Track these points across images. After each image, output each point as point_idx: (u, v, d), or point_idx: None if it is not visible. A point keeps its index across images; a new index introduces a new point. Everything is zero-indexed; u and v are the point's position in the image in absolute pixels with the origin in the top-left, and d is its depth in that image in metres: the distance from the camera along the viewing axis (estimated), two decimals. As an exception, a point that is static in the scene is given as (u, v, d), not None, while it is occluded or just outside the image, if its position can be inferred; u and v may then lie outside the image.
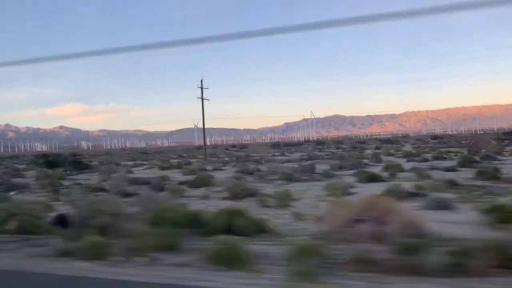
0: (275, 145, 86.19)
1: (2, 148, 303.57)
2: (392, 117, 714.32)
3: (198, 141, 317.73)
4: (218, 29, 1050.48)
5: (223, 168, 31.05)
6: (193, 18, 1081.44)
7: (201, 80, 49.82)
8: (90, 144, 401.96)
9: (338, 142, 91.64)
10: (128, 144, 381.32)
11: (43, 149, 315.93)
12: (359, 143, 78.65)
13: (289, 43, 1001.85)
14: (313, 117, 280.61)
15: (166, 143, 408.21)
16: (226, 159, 43.69)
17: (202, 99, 48.39)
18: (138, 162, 45.74)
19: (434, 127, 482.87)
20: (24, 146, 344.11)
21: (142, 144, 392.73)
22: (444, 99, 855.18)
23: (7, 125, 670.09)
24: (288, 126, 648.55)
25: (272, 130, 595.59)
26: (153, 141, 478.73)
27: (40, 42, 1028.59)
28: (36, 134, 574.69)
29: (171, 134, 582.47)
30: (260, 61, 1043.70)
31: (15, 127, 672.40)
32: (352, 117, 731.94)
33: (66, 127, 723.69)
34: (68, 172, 29.92)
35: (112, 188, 16.55)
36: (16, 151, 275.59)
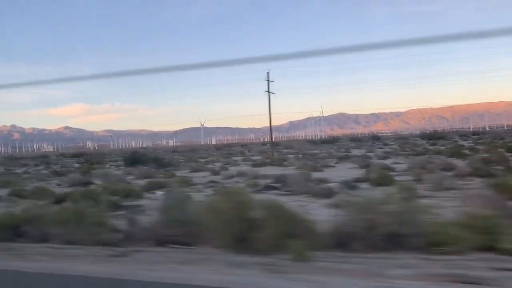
0: (313, 142, 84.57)
1: (9, 149, 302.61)
2: (397, 114, 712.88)
3: (204, 140, 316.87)
4: (218, 30, 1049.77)
5: (332, 165, 27.62)
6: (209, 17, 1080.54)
7: (267, 73, 47.13)
8: (95, 144, 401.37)
9: (375, 139, 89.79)
10: (133, 144, 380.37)
11: (49, 150, 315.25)
12: (402, 139, 76.89)
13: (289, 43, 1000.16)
14: (319, 115, 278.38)
15: (171, 143, 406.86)
16: (290, 156, 41.41)
17: (269, 92, 46.37)
18: (208, 159, 43.37)
19: (439, 125, 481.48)
20: (32, 147, 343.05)
21: (148, 144, 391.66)
22: (449, 96, 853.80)
23: (12, 126, 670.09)
24: (293, 125, 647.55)
25: (277, 128, 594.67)
26: (158, 141, 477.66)
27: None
28: (41, 135, 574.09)
29: (175, 133, 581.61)
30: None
31: (21, 128, 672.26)
32: (357, 115, 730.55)
33: (71, 127, 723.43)
34: (153, 170, 28.43)
35: (296, 187, 14.90)
36: (24, 151, 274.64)
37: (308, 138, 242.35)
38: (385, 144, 64.69)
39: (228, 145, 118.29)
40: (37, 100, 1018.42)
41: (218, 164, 33.39)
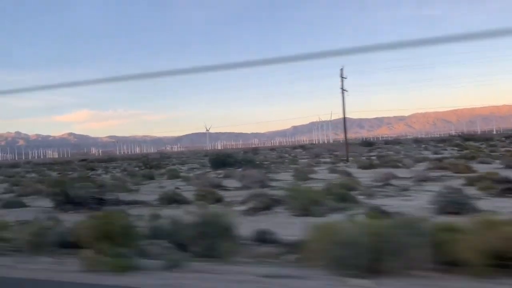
0: (365, 144, 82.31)
1: (15, 155, 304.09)
2: (401, 118, 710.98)
3: (209, 145, 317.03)
4: (219, 32, 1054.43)
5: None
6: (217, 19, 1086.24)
7: (341, 69, 45.52)
8: (100, 150, 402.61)
9: (416, 141, 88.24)
10: (137, 150, 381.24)
11: (54, 156, 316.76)
12: (441, 142, 75.04)
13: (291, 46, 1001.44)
14: (327, 119, 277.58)
15: (176, 148, 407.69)
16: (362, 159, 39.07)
17: (342, 90, 45.19)
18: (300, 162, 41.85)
19: (444, 128, 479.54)
20: (38, 153, 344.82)
21: (153, 150, 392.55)
22: (453, 100, 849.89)
23: (17, 132, 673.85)
24: (296, 130, 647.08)
25: (280, 133, 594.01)
26: (163, 147, 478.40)
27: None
28: (45, 141, 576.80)
29: (179, 139, 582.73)
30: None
31: (25, 134, 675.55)
32: (360, 120, 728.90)
33: (75, 134, 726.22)
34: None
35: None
36: (30, 158, 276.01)
37: (327, 142, 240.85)
38: (436, 146, 62.44)
39: (257, 148, 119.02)
40: (41, 106, 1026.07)
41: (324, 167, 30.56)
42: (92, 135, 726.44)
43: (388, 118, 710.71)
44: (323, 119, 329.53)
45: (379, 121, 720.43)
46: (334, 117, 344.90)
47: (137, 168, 42.52)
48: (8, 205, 15.17)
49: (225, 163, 31.89)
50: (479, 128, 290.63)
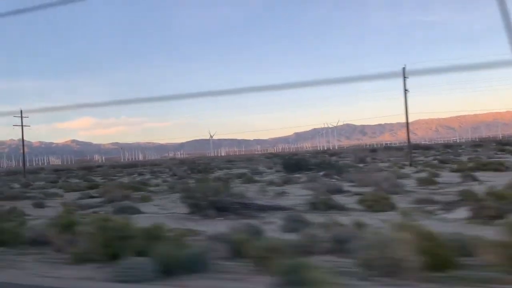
0: (416, 148, 79.73)
1: (21, 163, 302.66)
2: (403, 125, 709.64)
3: (213, 152, 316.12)
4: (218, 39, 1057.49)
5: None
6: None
7: (403, 68, 43.62)
8: (103, 157, 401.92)
9: (447, 147, 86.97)
10: (141, 157, 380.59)
11: (57, 163, 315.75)
12: (474, 146, 73.34)
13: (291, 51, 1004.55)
14: (332, 126, 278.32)
15: (179, 155, 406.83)
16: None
17: (405, 90, 43.71)
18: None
19: (447, 135, 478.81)
20: (42, 160, 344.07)
21: (156, 156, 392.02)
22: (456, 106, 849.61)
23: (20, 140, 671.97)
24: (299, 136, 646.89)
25: (283, 140, 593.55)
26: (165, 153, 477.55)
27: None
28: (48, 149, 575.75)
29: (182, 146, 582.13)
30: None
31: (28, 141, 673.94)
32: (363, 126, 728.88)
33: (77, 141, 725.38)
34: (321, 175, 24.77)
35: None
36: (34, 165, 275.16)
37: (353, 147, 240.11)
38: (476, 151, 60.19)
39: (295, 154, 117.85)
40: (45, 114, 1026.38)
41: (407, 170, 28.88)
42: (95, 142, 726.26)
43: (391, 124, 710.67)
44: (329, 125, 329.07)
45: (381, 128, 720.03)
46: (333, 123, 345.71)
47: (189, 172, 41.23)
48: (122, 211, 14.04)
49: (300, 166, 30.53)
50: (483, 134, 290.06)
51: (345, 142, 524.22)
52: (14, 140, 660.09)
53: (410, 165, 35.47)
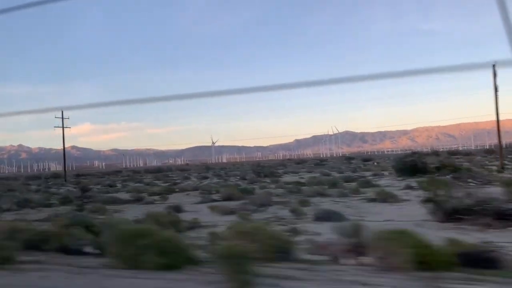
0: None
1: (21, 168, 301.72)
2: (404, 132, 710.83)
3: (214, 158, 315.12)
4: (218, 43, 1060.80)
5: None
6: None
7: (493, 65, 40.67)
8: (103, 163, 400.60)
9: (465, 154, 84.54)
10: (141, 163, 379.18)
11: (57, 169, 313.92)
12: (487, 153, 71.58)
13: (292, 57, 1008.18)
14: (336, 132, 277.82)
15: (180, 161, 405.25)
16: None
17: (495, 88, 40.06)
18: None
19: (447, 143, 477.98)
20: (43, 166, 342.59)
21: (156, 163, 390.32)
22: (456, 114, 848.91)
23: (19, 145, 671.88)
24: (299, 143, 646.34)
25: (283, 147, 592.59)
26: (166, 160, 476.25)
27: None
28: (48, 154, 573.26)
29: (182, 152, 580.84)
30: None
31: (28, 147, 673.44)
32: (363, 133, 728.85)
33: (77, 147, 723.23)
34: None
35: None
36: (35, 171, 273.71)
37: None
38: (496, 158, 59.09)
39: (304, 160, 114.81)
40: (44, 120, 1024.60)
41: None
42: (94, 148, 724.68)
43: (391, 132, 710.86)
44: (331, 133, 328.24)
45: (382, 135, 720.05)
46: (334, 130, 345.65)
47: (254, 176, 39.31)
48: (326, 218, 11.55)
49: (418, 170, 26.66)
50: (487, 143, 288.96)
51: (346, 150, 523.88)
52: (13, 146, 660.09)
53: (502, 169, 32.32)
